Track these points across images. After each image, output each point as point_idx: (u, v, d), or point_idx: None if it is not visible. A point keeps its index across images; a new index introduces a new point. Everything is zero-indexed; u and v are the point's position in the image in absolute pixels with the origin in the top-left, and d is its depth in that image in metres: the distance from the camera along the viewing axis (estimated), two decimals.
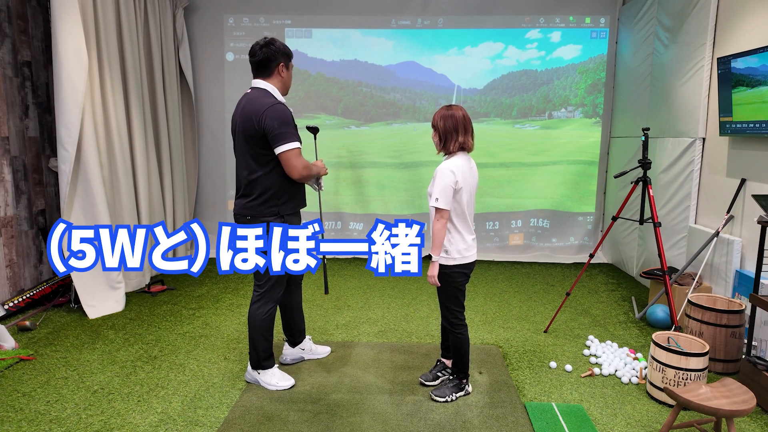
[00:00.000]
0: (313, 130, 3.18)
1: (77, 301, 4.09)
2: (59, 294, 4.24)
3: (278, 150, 2.60)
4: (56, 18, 3.61)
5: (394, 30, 5.75)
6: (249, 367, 2.94)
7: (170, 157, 5.27)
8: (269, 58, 2.68)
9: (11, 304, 3.89)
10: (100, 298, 4.02)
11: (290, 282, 3.07)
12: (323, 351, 3.31)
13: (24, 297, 3.99)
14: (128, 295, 4.43)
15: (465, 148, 2.63)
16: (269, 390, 2.86)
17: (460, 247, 2.64)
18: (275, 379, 2.89)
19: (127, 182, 4.45)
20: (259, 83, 2.72)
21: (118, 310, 4.07)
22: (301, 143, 2.68)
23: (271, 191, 2.68)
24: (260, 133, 2.59)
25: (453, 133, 2.61)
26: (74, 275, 3.90)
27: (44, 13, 4.40)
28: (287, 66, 2.77)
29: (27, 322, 3.66)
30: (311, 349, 3.26)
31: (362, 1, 5.68)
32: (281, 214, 2.72)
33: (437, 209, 2.57)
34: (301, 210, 2.90)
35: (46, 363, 3.17)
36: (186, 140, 5.70)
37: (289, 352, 3.22)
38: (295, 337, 3.20)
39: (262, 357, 2.86)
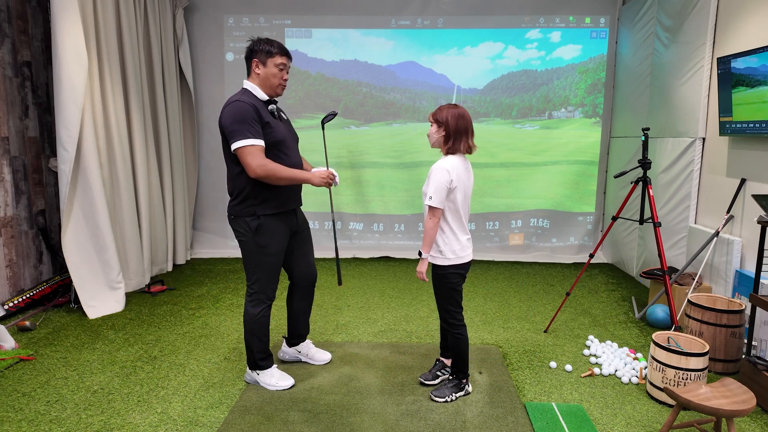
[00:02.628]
0: (328, 118, 3.02)
1: (77, 301, 4.09)
2: (59, 294, 4.25)
3: (232, 148, 2.57)
4: (56, 18, 3.62)
5: (394, 30, 5.75)
6: (248, 368, 2.94)
7: (170, 157, 5.27)
8: (247, 57, 2.72)
9: (11, 304, 3.90)
10: (100, 298, 4.02)
11: (298, 287, 3.06)
12: (322, 358, 3.22)
13: (24, 297, 3.99)
14: (128, 295, 4.43)
15: (470, 151, 2.65)
16: (269, 390, 2.87)
17: (455, 248, 2.64)
18: (274, 379, 2.88)
19: (127, 182, 4.45)
20: (244, 83, 2.75)
21: (118, 310, 4.07)
22: (261, 141, 2.56)
23: (245, 191, 2.67)
24: (222, 132, 2.63)
25: (463, 134, 2.61)
26: (74, 275, 3.90)
27: (44, 13, 4.40)
28: (263, 62, 2.66)
29: (27, 322, 3.66)
30: (308, 353, 3.21)
31: (362, 1, 5.68)
32: (257, 214, 2.68)
33: (430, 207, 2.58)
34: (302, 209, 2.88)
35: (46, 363, 3.17)
36: (186, 140, 5.70)
37: (286, 350, 3.22)
38: (292, 338, 3.19)
39: (258, 357, 2.86)
